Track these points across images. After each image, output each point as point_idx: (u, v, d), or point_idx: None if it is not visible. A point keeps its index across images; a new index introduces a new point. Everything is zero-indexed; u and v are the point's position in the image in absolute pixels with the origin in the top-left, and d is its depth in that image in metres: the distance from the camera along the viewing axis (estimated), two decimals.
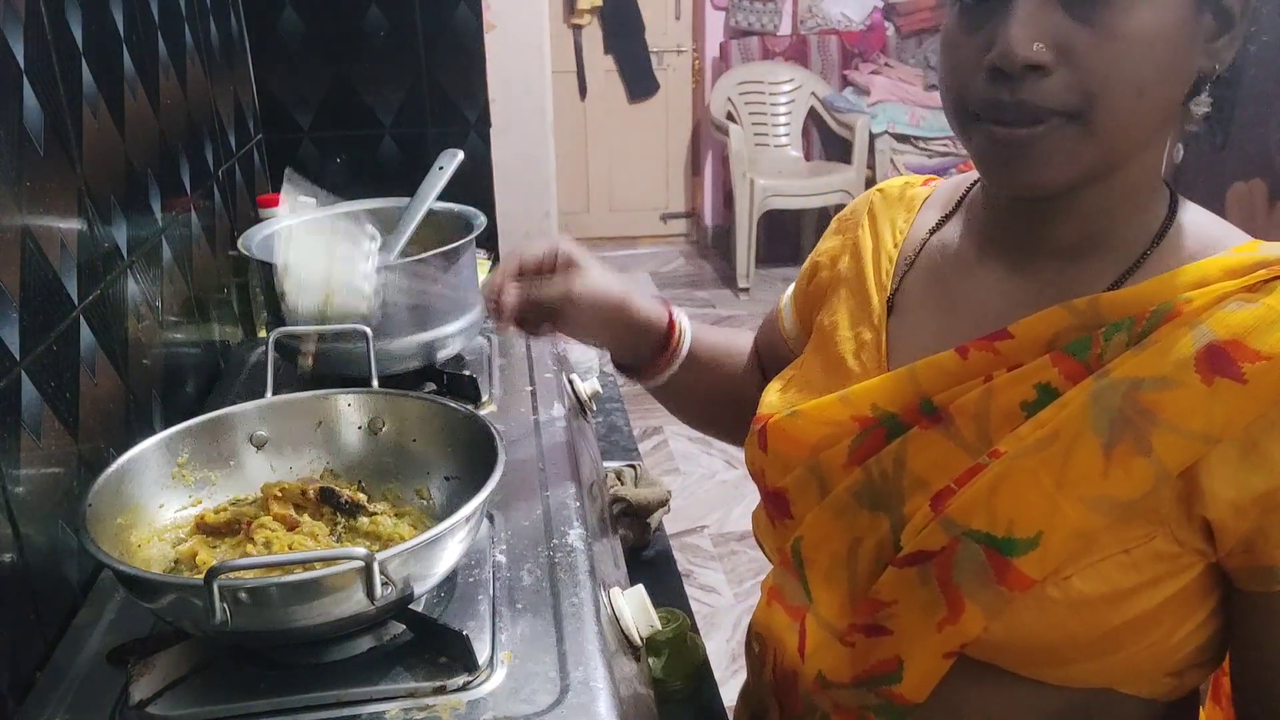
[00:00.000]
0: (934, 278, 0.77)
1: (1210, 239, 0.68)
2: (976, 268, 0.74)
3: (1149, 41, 0.60)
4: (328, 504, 0.85)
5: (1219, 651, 0.69)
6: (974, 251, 0.75)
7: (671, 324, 0.92)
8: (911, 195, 0.84)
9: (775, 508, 0.79)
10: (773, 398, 0.83)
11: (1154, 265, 0.67)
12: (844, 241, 0.87)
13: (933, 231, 0.80)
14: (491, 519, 0.92)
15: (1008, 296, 0.71)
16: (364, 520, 0.85)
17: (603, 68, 5.22)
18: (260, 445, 0.91)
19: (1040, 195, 0.67)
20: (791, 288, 0.95)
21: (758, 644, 0.86)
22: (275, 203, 1.52)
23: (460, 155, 1.24)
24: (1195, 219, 0.70)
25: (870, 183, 4.68)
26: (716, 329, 0.99)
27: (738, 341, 1.01)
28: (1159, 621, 0.65)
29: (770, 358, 0.98)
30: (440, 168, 1.23)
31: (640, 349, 0.92)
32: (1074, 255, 0.70)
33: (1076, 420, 0.63)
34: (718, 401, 0.98)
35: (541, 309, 0.87)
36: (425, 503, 0.89)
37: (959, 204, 0.80)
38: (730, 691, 2.63)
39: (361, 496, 0.87)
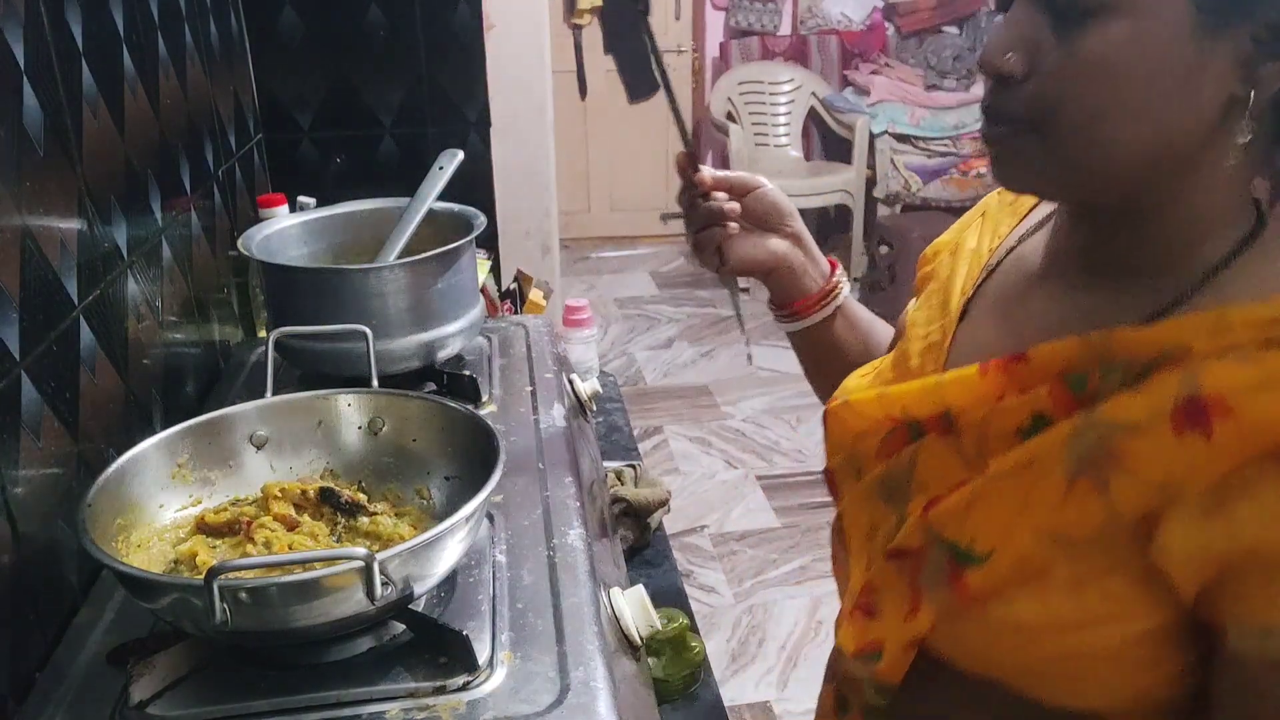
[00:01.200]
0: (1006, 287, 0.78)
1: (1276, 284, 0.62)
2: (1040, 282, 0.74)
3: (1107, 67, 0.59)
4: (328, 504, 0.85)
5: None
6: (1041, 267, 0.75)
7: (833, 269, 0.94)
8: (1021, 206, 0.84)
9: (829, 485, 0.83)
10: (851, 383, 0.84)
11: (1197, 303, 0.64)
12: (954, 237, 0.88)
13: (1022, 239, 0.80)
14: (491, 519, 0.92)
15: (1058, 316, 0.70)
16: (364, 520, 0.85)
17: (603, 68, 5.22)
18: (260, 445, 0.91)
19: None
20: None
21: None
22: (275, 203, 1.53)
23: (460, 155, 1.24)
24: (1276, 254, 0.64)
25: (870, 183, 4.69)
26: (870, 314, 0.99)
27: (883, 329, 0.99)
28: (1121, 660, 0.63)
29: None
30: (440, 168, 1.24)
31: (796, 286, 0.93)
32: (1120, 282, 0.68)
33: (1052, 452, 0.63)
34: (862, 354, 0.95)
35: (717, 214, 0.89)
36: (425, 503, 0.90)
37: (1051, 214, 0.79)
38: (730, 691, 2.63)
39: (361, 496, 0.87)
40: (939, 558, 0.67)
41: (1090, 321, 0.67)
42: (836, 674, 0.82)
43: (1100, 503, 0.61)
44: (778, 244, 0.91)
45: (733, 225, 0.88)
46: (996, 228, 0.84)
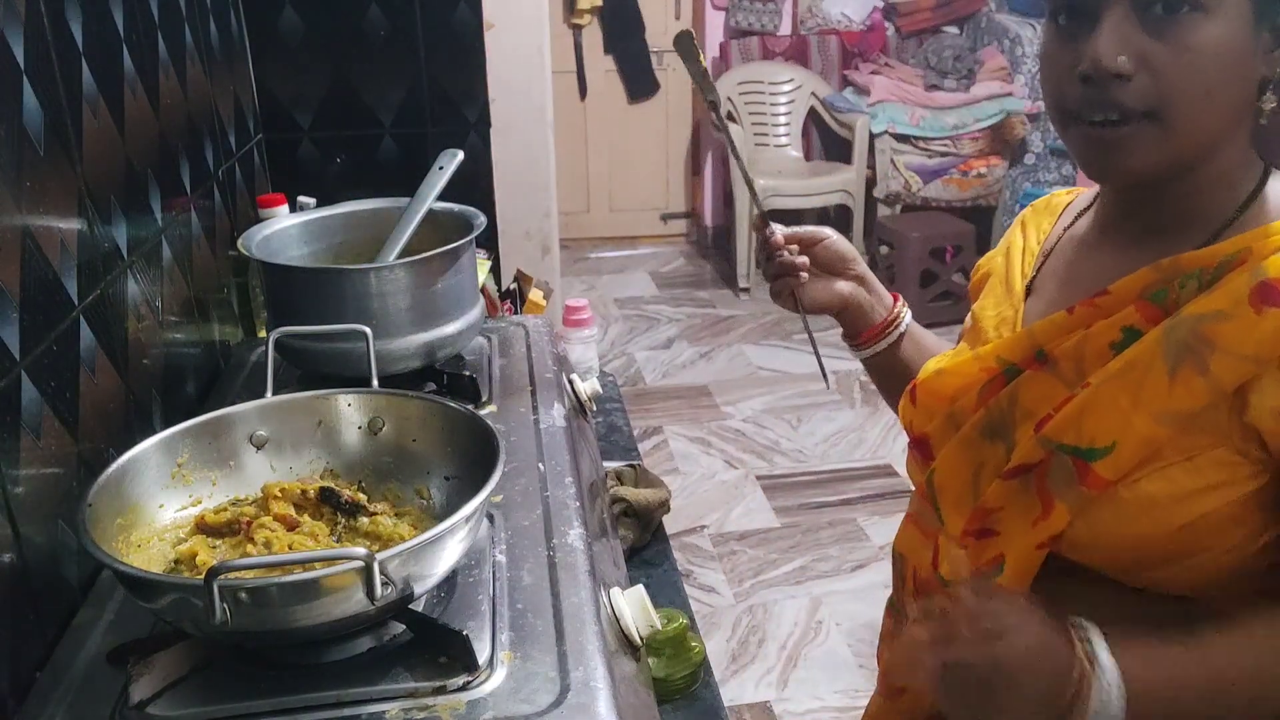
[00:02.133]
0: (1064, 262, 0.91)
1: None
2: (1095, 250, 0.87)
3: (1213, 54, 0.72)
4: (328, 504, 0.85)
5: None
6: (1095, 237, 0.88)
7: (895, 301, 1.07)
8: (1056, 203, 0.98)
9: (920, 451, 0.92)
10: (931, 365, 0.95)
11: (1235, 230, 0.77)
12: (1001, 246, 1.01)
13: (1067, 228, 0.93)
14: (491, 519, 0.92)
15: (1118, 269, 0.81)
16: (364, 520, 0.85)
17: (603, 68, 5.22)
18: (260, 445, 0.91)
19: (1129, 183, 0.80)
20: None
21: (900, 562, 0.98)
22: (275, 203, 1.53)
23: (460, 155, 1.24)
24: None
25: (870, 183, 4.69)
26: (931, 333, 1.11)
27: (945, 346, 1.11)
28: (1231, 524, 0.74)
29: None
30: (440, 168, 1.24)
31: (863, 320, 1.05)
32: (1170, 232, 0.80)
33: (1150, 351, 0.75)
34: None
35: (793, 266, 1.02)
36: (425, 503, 0.90)
37: (1092, 203, 0.92)
38: (730, 691, 2.63)
39: (361, 497, 0.87)
40: (1063, 463, 0.77)
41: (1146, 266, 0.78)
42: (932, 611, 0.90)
43: (1203, 381, 0.73)
44: (843, 286, 1.04)
45: (803, 274, 1.01)
46: (1039, 227, 0.97)
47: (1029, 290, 0.92)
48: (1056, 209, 0.98)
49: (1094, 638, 0.72)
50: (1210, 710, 0.74)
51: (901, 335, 1.06)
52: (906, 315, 1.07)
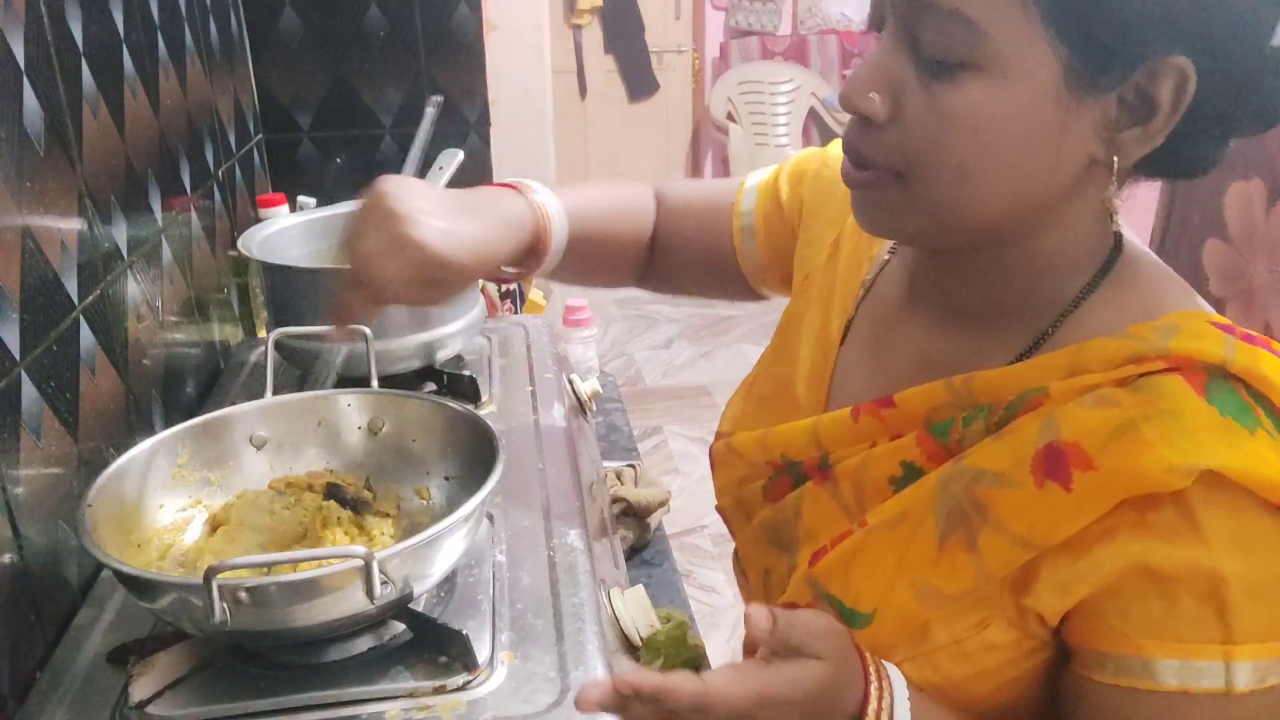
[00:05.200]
0: (877, 316, 0.76)
1: (1137, 310, 0.62)
2: (905, 316, 0.73)
3: (973, 125, 0.56)
4: (333, 500, 0.85)
5: None
6: (905, 298, 0.74)
7: (540, 230, 0.82)
8: None
9: (724, 521, 0.84)
10: (734, 410, 0.86)
11: (1059, 340, 0.64)
12: (830, 227, 0.83)
13: (892, 252, 0.78)
14: (491, 519, 0.92)
15: (925, 354, 0.70)
16: (370, 519, 0.85)
17: (603, 68, 5.22)
18: (260, 445, 0.91)
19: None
20: (757, 181, 0.91)
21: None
22: (275, 203, 1.53)
23: (460, 155, 1.24)
24: (1130, 283, 0.64)
25: None
26: (602, 196, 0.91)
27: (627, 207, 0.94)
28: (1015, 705, 0.65)
29: (707, 244, 0.93)
30: (440, 168, 1.23)
31: (513, 259, 0.82)
32: (984, 321, 0.67)
33: (923, 505, 0.63)
34: (608, 264, 0.94)
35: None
36: (425, 503, 0.90)
37: None
38: None
39: (368, 494, 0.87)
40: (828, 612, 0.66)
41: (956, 361, 0.67)
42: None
43: (970, 560, 0.61)
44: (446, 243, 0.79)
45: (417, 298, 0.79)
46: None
47: (845, 332, 0.78)
48: None
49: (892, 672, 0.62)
50: None
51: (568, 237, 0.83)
52: (554, 220, 0.82)
